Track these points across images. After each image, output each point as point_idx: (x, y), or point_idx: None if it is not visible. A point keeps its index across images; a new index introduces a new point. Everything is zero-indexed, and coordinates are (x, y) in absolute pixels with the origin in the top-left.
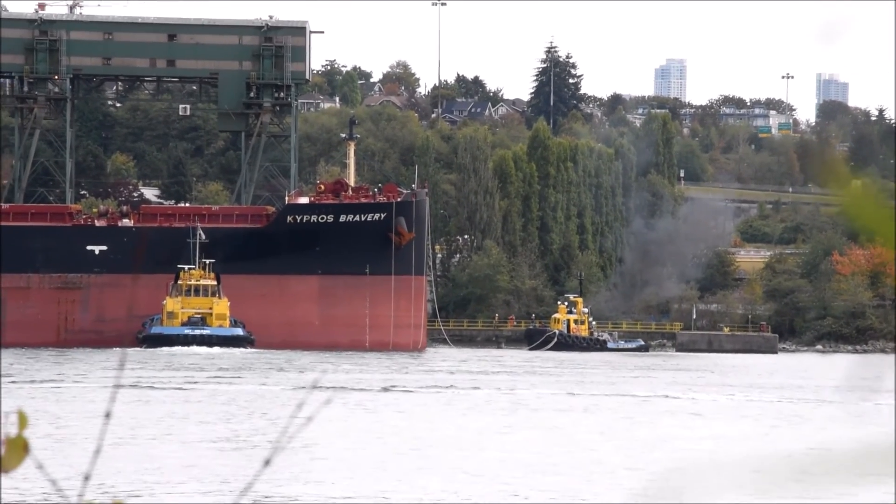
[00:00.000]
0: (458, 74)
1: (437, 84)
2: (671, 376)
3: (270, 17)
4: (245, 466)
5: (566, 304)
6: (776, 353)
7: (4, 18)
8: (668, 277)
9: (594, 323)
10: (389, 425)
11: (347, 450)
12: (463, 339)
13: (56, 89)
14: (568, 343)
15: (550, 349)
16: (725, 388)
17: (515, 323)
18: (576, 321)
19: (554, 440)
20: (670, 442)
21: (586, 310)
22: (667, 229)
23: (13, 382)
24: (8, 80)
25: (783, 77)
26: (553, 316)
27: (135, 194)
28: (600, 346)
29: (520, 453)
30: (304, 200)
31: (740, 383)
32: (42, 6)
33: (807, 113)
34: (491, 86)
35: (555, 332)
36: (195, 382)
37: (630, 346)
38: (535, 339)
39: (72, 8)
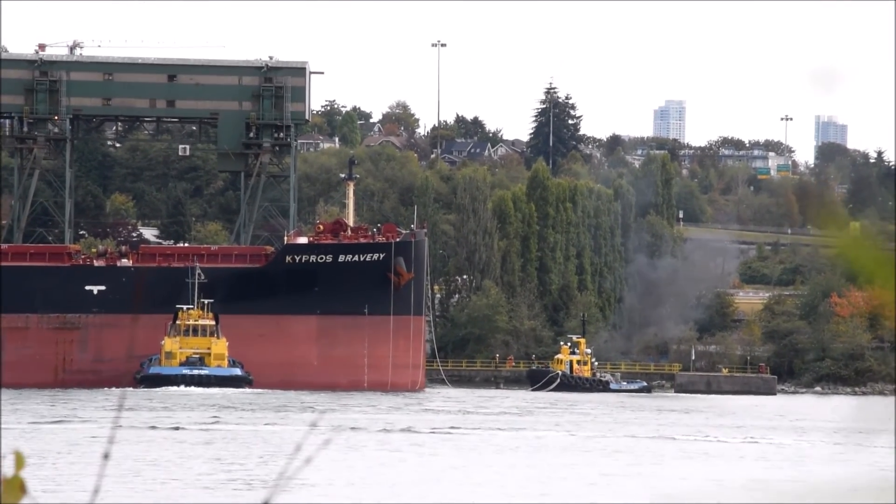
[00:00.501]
0: (457, 115)
1: (437, 124)
2: (682, 418)
3: (270, 58)
4: None
5: (569, 344)
6: (775, 394)
7: (5, 59)
8: (667, 318)
9: (596, 364)
10: (390, 466)
11: (350, 490)
12: (462, 380)
13: (56, 130)
14: (571, 384)
15: (553, 390)
16: (751, 430)
17: (514, 363)
18: (578, 362)
19: (569, 481)
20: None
21: (589, 350)
22: (667, 268)
23: (14, 421)
24: (8, 121)
25: (782, 119)
26: (556, 357)
27: (134, 234)
28: (603, 387)
29: (526, 493)
30: (303, 240)
31: (762, 425)
32: (42, 47)
33: (806, 155)
34: (490, 126)
35: (558, 373)
36: (215, 423)
37: (633, 387)
38: (537, 379)
39: (72, 49)
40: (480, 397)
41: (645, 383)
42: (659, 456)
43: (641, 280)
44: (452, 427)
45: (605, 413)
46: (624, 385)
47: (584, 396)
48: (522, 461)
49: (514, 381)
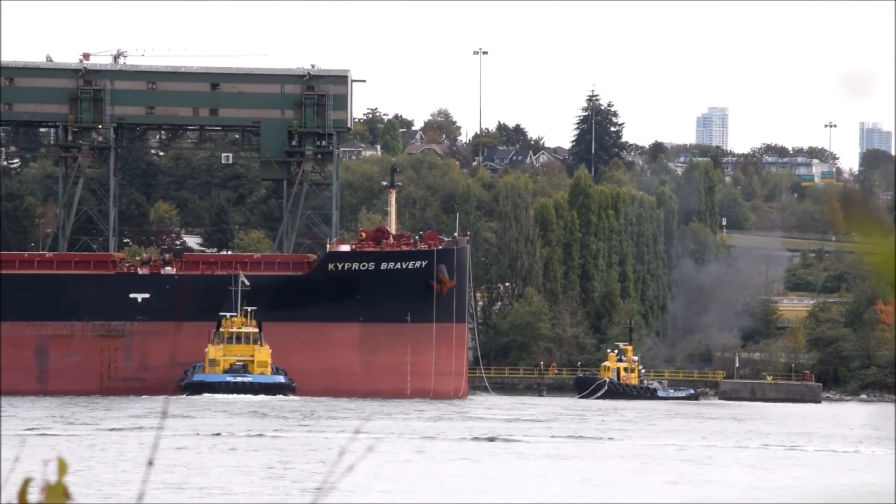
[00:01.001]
0: (499, 122)
1: (479, 132)
2: (734, 425)
3: (312, 66)
4: None
5: (615, 352)
6: (820, 402)
7: (50, 68)
8: (711, 325)
9: (643, 371)
10: (434, 473)
11: (394, 496)
12: (504, 387)
13: (100, 138)
14: (618, 391)
15: (601, 397)
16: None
17: (557, 371)
18: (626, 369)
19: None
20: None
21: (636, 358)
22: (711, 275)
23: (53, 429)
24: (52, 130)
25: (826, 126)
26: (603, 364)
27: (177, 242)
28: (650, 394)
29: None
30: (345, 248)
31: (814, 432)
32: (86, 56)
33: (850, 162)
34: (532, 134)
35: (605, 381)
36: (265, 433)
37: (680, 394)
38: (585, 387)
39: (116, 58)
40: (526, 404)
41: (692, 391)
42: (720, 464)
43: (686, 287)
44: (504, 435)
45: (655, 420)
46: (671, 392)
47: (632, 404)
48: (577, 468)
49: (557, 389)
